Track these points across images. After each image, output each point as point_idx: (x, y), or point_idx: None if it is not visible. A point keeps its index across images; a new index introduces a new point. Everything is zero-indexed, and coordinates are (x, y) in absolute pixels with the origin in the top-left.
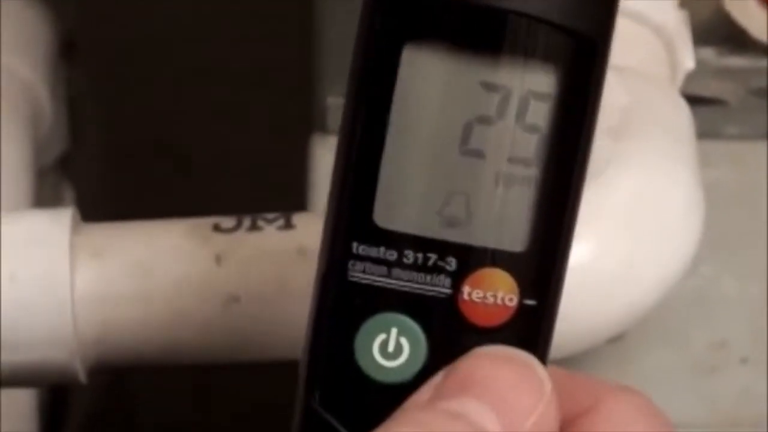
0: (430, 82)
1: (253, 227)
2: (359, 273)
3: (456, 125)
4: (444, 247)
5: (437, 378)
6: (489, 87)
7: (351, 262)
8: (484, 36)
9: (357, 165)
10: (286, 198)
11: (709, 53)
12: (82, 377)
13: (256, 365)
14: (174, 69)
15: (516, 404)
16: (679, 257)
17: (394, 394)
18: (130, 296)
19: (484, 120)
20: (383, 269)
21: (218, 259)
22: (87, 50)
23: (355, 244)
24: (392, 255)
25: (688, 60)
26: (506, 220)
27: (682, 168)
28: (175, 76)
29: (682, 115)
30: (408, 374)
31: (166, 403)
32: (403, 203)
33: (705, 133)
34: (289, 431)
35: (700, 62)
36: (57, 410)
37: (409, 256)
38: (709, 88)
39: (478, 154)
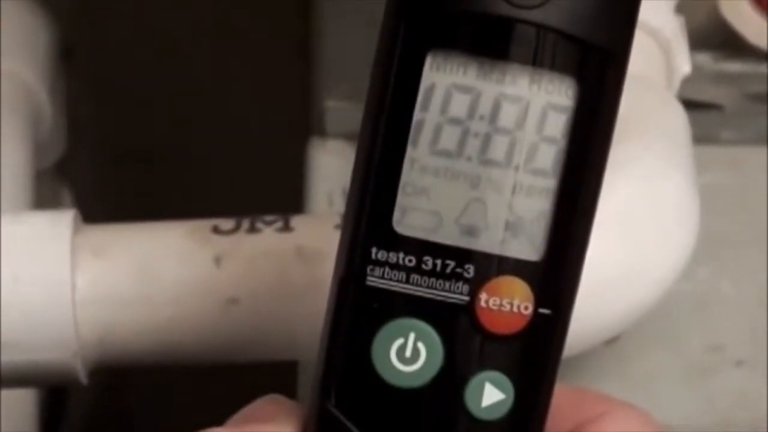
0: (451, 91)
1: (252, 229)
2: (377, 278)
3: (475, 134)
4: (462, 255)
5: None
6: (508, 98)
7: (370, 267)
8: (504, 47)
9: (377, 171)
10: (283, 201)
11: (705, 58)
12: (83, 378)
13: (256, 368)
14: (171, 73)
15: None
16: (676, 260)
17: (409, 398)
18: (130, 297)
19: (503, 130)
20: (402, 275)
21: (217, 261)
22: (85, 55)
23: (374, 250)
24: (411, 261)
25: (684, 65)
26: (523, 229)
27: (678, 172)
28: (172, 80)
29: (678, 119)
30: (424, 379)
31: (165, 404)
32: (422, 210)
33: (701, 137)
34: None
35: (696, 67)
36: (55, 411)
37: (428, 262)
38: (706, 93)
39: (497, 164)
